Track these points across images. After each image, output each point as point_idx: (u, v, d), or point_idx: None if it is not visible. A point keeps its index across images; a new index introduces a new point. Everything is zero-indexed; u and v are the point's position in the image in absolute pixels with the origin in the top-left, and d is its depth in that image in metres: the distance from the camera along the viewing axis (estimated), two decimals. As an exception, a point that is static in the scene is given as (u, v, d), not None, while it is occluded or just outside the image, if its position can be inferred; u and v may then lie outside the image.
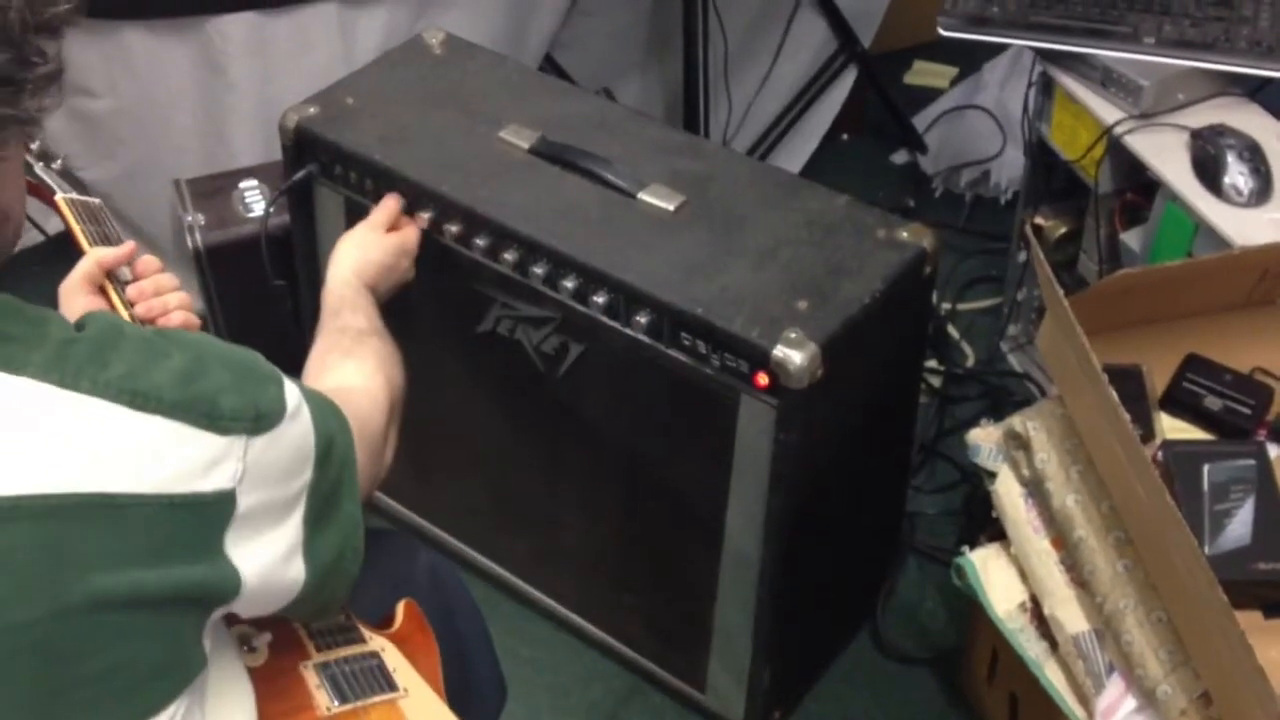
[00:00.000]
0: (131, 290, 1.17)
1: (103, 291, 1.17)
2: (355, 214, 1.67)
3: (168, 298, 1.20)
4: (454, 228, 1.57)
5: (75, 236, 1.21)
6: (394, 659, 1.03)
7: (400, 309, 1.72)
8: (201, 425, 0.81)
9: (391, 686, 1.00)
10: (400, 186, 1.60)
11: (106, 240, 1.21)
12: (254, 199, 2.05)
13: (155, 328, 1.01)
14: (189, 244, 2.02)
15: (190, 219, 2.02)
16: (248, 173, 2.08)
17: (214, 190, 2.06)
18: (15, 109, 0.76)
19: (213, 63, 2.03)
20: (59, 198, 1.22)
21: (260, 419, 0.86)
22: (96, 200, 1.24)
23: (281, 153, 1.71)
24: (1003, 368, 2.15)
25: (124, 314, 1.14)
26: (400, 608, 1.10)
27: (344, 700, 0.96)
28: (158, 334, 0.87)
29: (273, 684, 0.95)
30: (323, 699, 0.96)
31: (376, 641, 1.04)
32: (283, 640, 0.98)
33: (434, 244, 1.60)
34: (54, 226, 2.29)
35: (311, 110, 1.67)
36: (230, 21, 1.99)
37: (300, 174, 1.68)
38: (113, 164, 2.15)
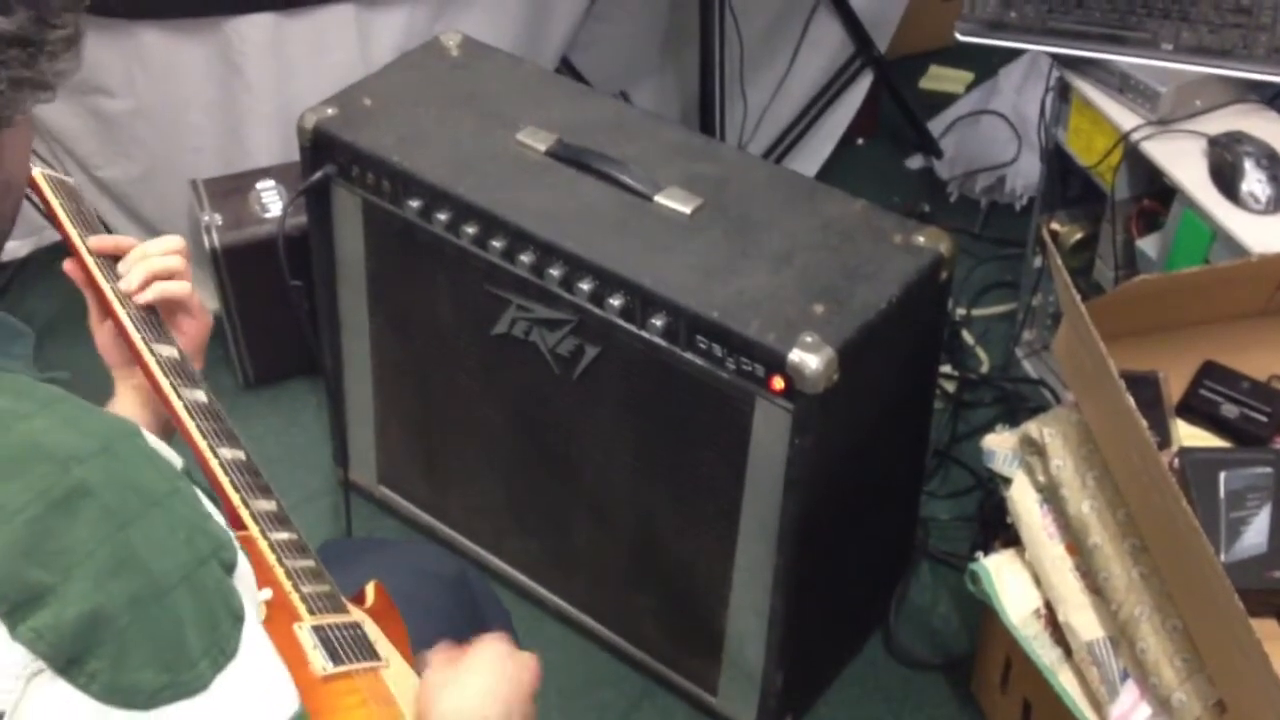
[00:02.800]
0: (123, 284, 1.10)
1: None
2: (372, 215, 1.68)
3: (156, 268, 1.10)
4: (471, 229, 1.57)
5: (55, 214, 1.15)
6: (373, 631, 1.06)
7: (416, 311, 1.73)
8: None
9: (375, 655, 1.02)
10: (417, 188, 1.60)
11: (84, 217, 1.18)
12: (271, 199, 2.06)
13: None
14: (206, 244, 2.03)
15: (207, 219, 2.03)
16: (265, 173, 2.09)
17: (231, 190, 2.07)
18: (31, 70, 0.74)
19: (230, 63, 2.03)
20: (36, 173, 1.19)
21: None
22: (71, 179, 1.22)
23: (299, 153, 1.71)
24: (1017, 374, 2.14)
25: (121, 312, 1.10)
26: (370, 587, 1.12)
27: (337, 662, 0.98)
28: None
29: (272, 641, 0.96)
30: (318, 659, 0.97)
31: (356, 614, 1.06)
32: (279, 600, 0.99)
33: (450, 246, 1.61)
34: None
35: (329, 111, 1.68)
36: (248, 22, 2.00)
37: (318, 175, 1.68)
38: (130, 164, 2.16)
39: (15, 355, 0.80)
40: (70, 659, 0.67)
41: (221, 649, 0.72)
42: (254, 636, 0.74)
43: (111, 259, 1.12)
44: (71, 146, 2.13)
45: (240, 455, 1.07)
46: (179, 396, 1.07)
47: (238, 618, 0.73)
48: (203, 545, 0.73)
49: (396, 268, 1.71)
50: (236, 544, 0.77)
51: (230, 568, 0.74)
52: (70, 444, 0.70)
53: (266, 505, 1.06)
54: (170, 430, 1.11)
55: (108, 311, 1.11)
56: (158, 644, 0.69)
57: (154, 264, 1.11)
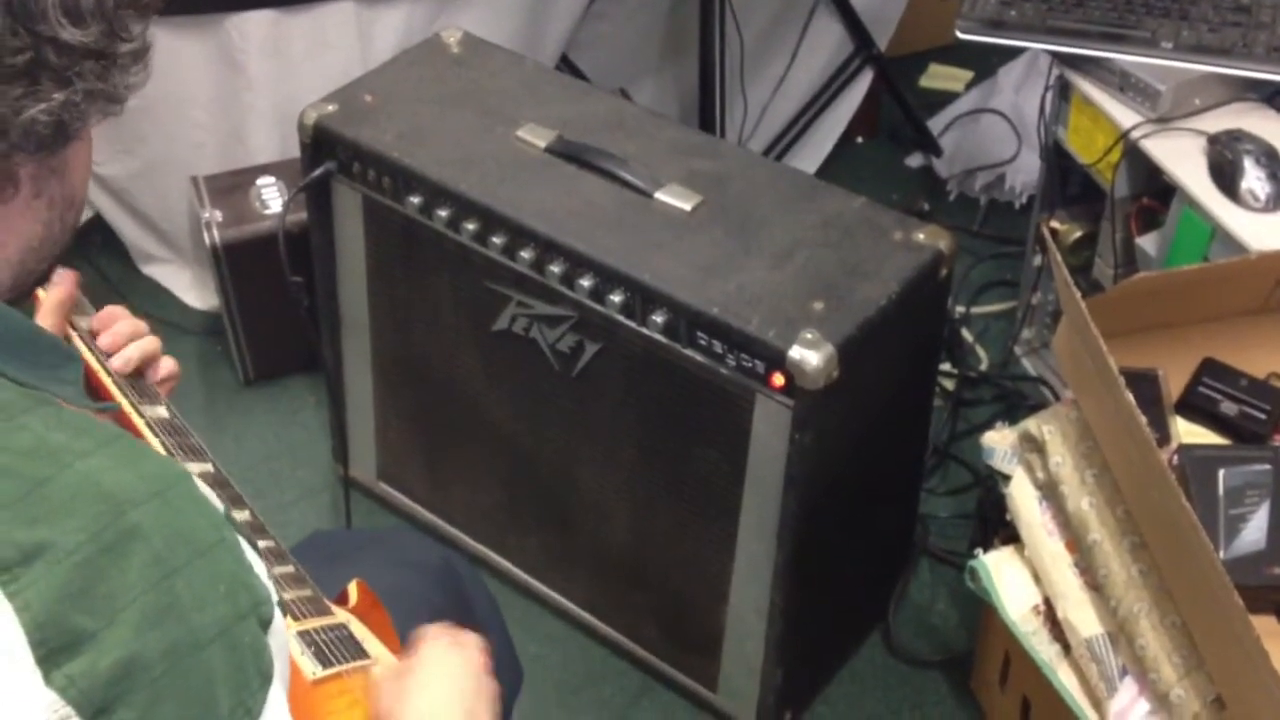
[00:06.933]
0: (105, 339, 1.09)
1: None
2: (373, 212, 1.68)
3: (145, 343, 1.10)
4: (471, 226, 1.57)
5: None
6: (359, 630, 1.05)
7: (416, 307, 1.73)
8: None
9: (363, 654, 1.01)
10: (418, 184, 1.61)
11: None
12: (271, 196, 2.06)
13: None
14: (206, 240, 2.03)
15: (208, 215, 2.03)
16: (265, 170, 2.09)
17: (232, 187, 2.07)
18: (106, 83, 0.74)
19: (231, 60, 2.04)
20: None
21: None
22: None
23: (300, 150, 1.71)
24: (1016, 371, 2.15)
25: (98, 368, 1.08)
26: (353, 586, 1.11)
27: (326, 666, 0.97)
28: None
29: None
30: (307, 665, 0.96)
31: (341, 614, 1.06)
32: None
33: (451, 242, 1.61)
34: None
35: (330, 108, 1.68)
36: (249, 19, 2.00)
37: (318, 171, 1.68)
38: (131, 160, 2.16)
39: (65, 381, 0.78)
40: (99, 708, 0.65)
41: (248, 709, 0.70)
42: (278, 699, 0.73)
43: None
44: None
45: (209, 468, 1.07)
46: (140, 414, 1.06)
47: (266, 678, 0.72)
48: (243, 600, 0.72)
49: (397, 264, 1.71)
50: (276, 598, 0.76)
51: (267, 624, 0.73)
52: (127, 485, 0.69)
53: (241, 516, 1.05)
54: None
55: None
56: (188, 698, 0.68)
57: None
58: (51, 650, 0.64)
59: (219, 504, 0.76)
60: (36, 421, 0.70)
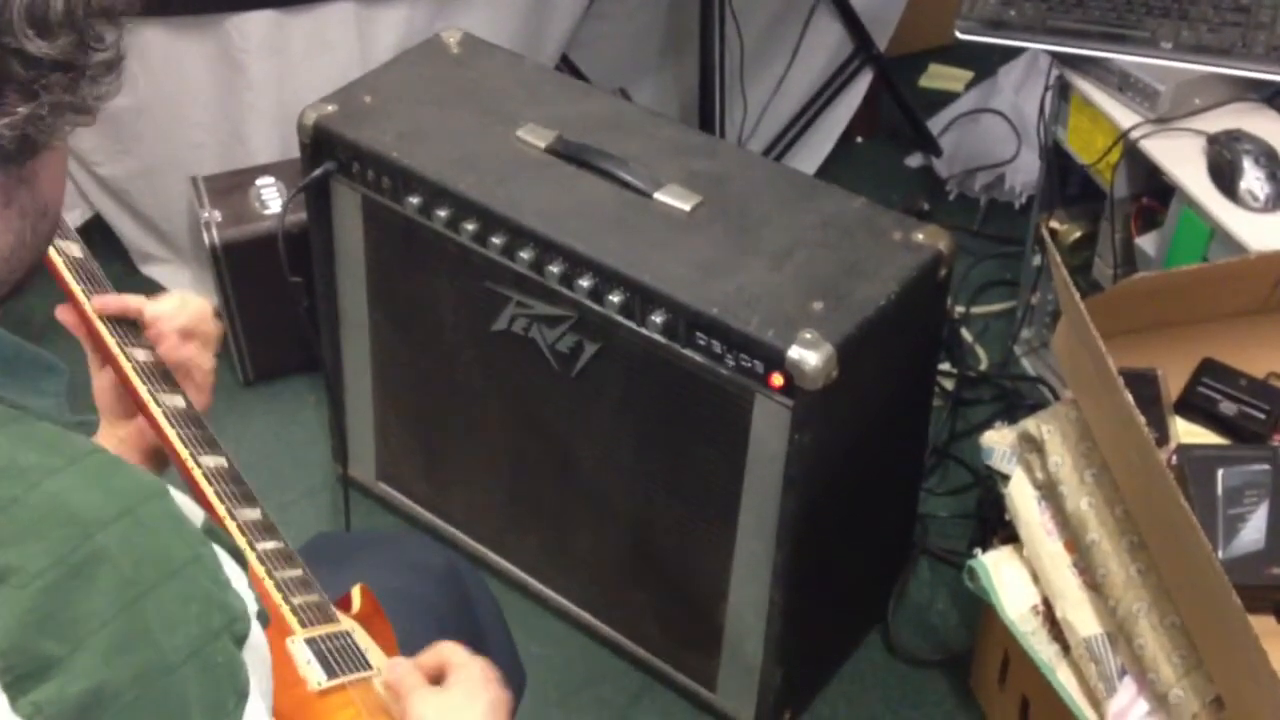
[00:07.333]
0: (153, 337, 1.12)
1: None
2: (372, 212, 1.68)
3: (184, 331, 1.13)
4: (471, 226, 1.57)
5: (58, 272, 1.12)
6: (363, 639, 1.04)
7: (416, 308, 1.73)
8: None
9: (367, 664, 1.00)
10: (417, 185, 1.61)
11: (88, 270, 1.14)
12: (271, 196, 2.06)
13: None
14: (206, 241, 2.03)
15: (207, 216, 2.03)
16: (265, 170, 2.09)
17: (231, 187, 2.08)
18: (74, 95, 0.73)
19: (231, 60, 2.04)
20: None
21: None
22: (79, 245, 1.18)
23: (299, 150, 1.71)
24: (1016, 371, 2.15)
25: (118, 353, 1.07)
26: (356, 591, 1.10)
27: (331, 676, 0.97)
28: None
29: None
30: (313, 675, 0.96)
31: (345, 621, 1.05)
32: (270, 614, 0.98)
33: (450, 242, 1.61)
34: (73, 220, 2.30)
35: (330, 108, 1.68)
36: (249, 19, 2.00)
37: (318, 172, 1.69)
38: (131, 160, 2.16)
39: (46, 392, 0.77)
40: None
41: None
42: (256, 713, 0.72)
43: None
44: (72, 143, 2.13)
45: (222, 462, 1.06)
46: (157, 403, 1.06)
47: (242, 695, 0.71)
48: (216, 619, 0.70)
49: (396, 264, 1.71)
50: (253, 611, 0.74)
51: (241, 640, 0.72)
52: (95, 505, 0.68)
53: (251, 514, 1.04)
54: (161, 465, 1.10)
55: (105, 358, 1.09)
56: None
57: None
58: (18, 676, 0.63)
59: (197, 513, 0.75)
60: (5, 440, 0.69)
